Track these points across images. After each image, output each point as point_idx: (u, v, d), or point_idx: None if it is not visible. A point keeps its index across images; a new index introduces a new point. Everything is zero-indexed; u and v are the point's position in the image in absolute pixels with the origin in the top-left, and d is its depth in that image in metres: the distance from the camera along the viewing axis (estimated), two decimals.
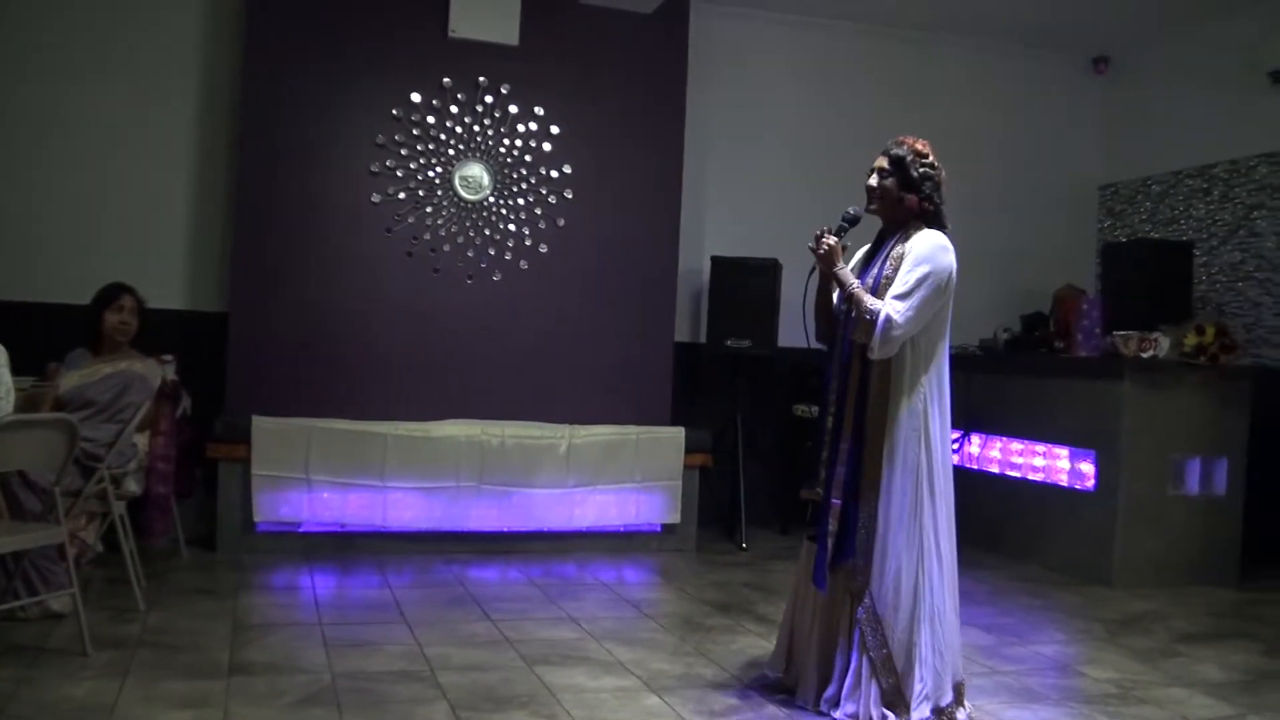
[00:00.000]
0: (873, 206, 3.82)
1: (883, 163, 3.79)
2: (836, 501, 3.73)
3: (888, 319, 3.59)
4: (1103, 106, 8.50)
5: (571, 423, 6.56)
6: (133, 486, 4.98)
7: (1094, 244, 8.45)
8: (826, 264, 3.78)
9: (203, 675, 3.89)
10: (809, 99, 7.84)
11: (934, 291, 3.63)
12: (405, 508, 6.06)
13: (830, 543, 3.73)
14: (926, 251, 3.67)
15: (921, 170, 3.75)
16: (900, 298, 3.61)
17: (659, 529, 6.61)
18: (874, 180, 3.80)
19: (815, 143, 7.76)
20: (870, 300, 3.66)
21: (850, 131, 7.62)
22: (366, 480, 5.99)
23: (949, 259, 3.69)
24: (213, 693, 3.71)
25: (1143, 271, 6.78)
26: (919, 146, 3.79)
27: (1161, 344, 6.20)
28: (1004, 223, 8.20)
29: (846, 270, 3.80)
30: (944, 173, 3.81)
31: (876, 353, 3.63)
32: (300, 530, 6.01)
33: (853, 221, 3.85)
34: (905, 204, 3.76)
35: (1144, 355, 6.15)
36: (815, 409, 6.92)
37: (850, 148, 7.09)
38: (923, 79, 8.08)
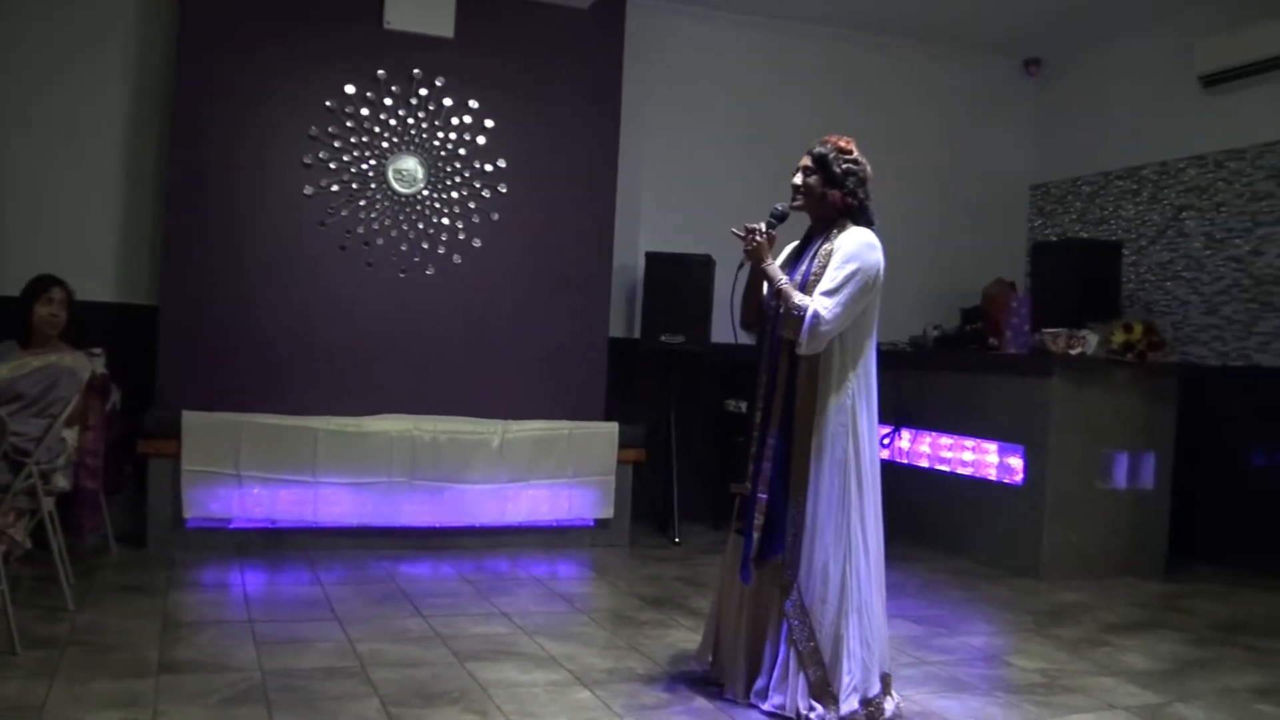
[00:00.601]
0: (797, 203, 3.87)
1: (806, 161, 3.85)
2: (763, 496, 3.76)
3: (815, 315, 3.62)
4: (1034, 108, 8.63)
5: (505, 418, 6.56)
6: (62, 482, 4.92)
7: (1025, 243, 8.58)
8: (755, 259, 3.82)
9: (132, 674, 3.87)
10: (745, 96, 7.89)
11: (862, 288, 3.67)
12: (337, 503, 6.04)
13: (756, 536, 3.77)
14: (854, 249, 3.71)
15: (845, 166, 3.80)
16: (828, 294, 3.64)
17: (592, 524, 6.64)
18: (798, 178, 3.86)
19: (751, 140, 7.80)
20: (798, 296, 3.69)
21: (786, 129, 7.64)
22: (298, 476, 5.96)
23: (876, 256, 3.73)
24: (142, 692, 3.70)
25: (1072, 270, 6.88)
26: (842, 144, 3.84)
27: (1090, 341, 6.29)
28: (936, 221, 8.30)
29: (775, 265, 3.84)
30: (869, 169, 3.85)
31: (804, 349, 3.67)
32: (231, 526, 5.98)
33: (780, 218, 3.90)
34: (829, 200, 3.81)
35: (1073, 352, 6.23)
36: (745, 404, 6.99)
37: (786, 146, 7.01)
38: (858, 78, 8.15)
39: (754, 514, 3.79)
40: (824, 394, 3.70)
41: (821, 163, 3.81)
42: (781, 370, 3.78)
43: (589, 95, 7.00)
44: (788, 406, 3.75)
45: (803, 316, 3.65)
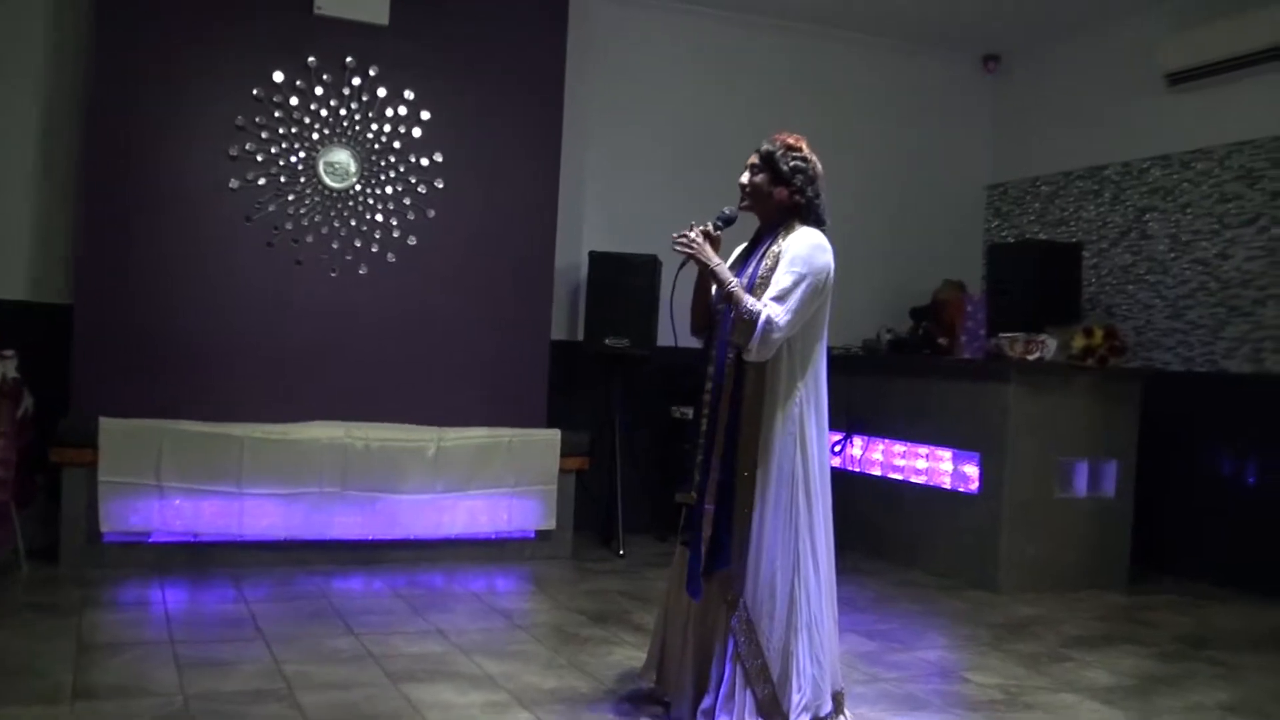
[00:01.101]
0: (745, 204, 3.90)
1: (753, 159, 3.88)
2: (710, 506, 3.77)
3: (768, 320, 3.63)
4: (992, 106, 8.73)
5: (441, 425, 6.55)
6: None
7: (980, 244, 8.67)
8: (704, 257, 3.81)
9: (45, 700, 3.81)
10: (694, 91, 7.92)
11: (812, 291, 3.69)
12: (263, 515, 6.00)
13: (704, 549, 3.77)
14: (804, 251, 3.73)
15: (792, 164, 3.82)
16: (779, 299, 3.66)
17: (532, 535, 6.64)
18: (745, 177, 3.89)
19: (700, 137, 7.83)
20: (750, 300, 3.69)
21: (736, 126, 7.70)
22: (222, 486, 5.91)
23: (826, 259, 3.75)
24: (56, 719, 3.64)
25: (1030, 272, 6.94)
26: (790, 141, 3.86)
27: (1049, 346, 6.36)
28: (889, 222, 8.38)
29: (724, 266, 3.83)
30: (819, 167, 3.87)
31: (754, 354, 3.68)
32: (150, 541, 5.91)
33: (728, 221, 3.93)
34: (776, 199, 3.83)
35: (1030, 357, 6.30)
36: (691, 411, 7.02)
37: (735, 143, 7.06)
38: (810, 74, 8.20)
39: (701, 525, 3.79)
40: (771, 402, 3.71)
41: (768, 160, 3.84)
42: (728, 376, 3.79)
43: (531, 87, 6.99)
44: (734, 414, 3.76)
45: (754, 322, 3.65)
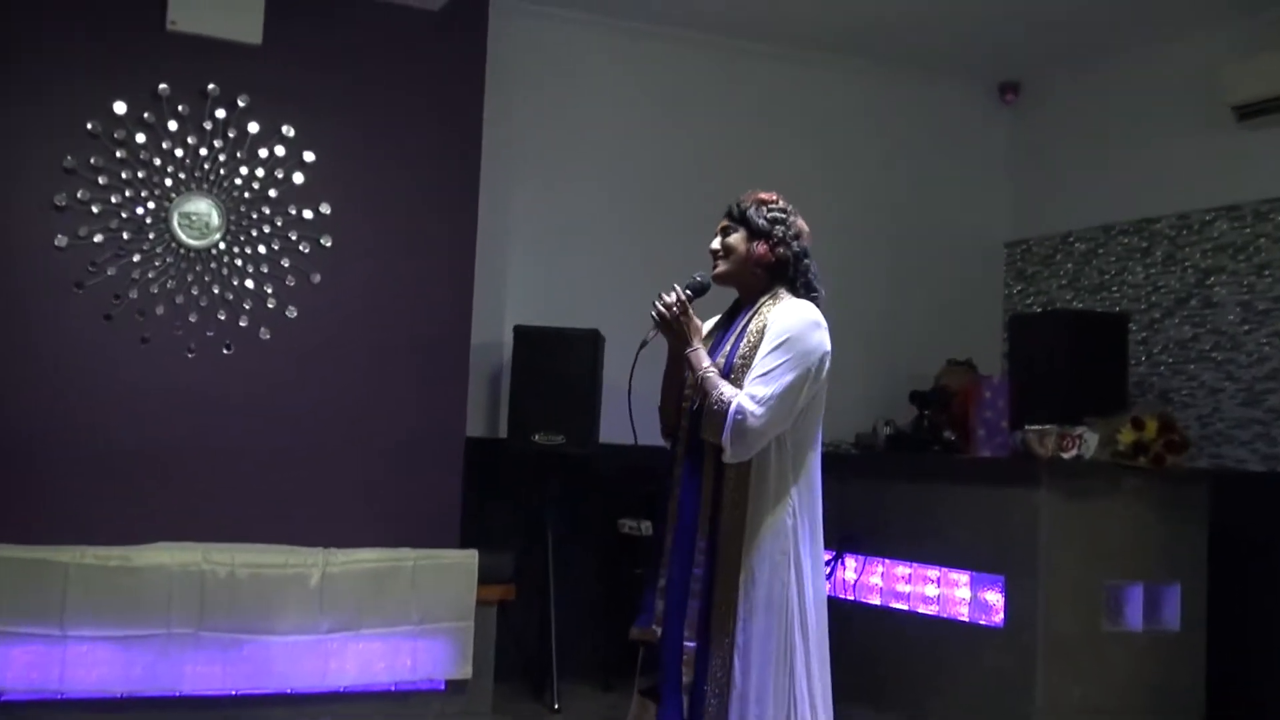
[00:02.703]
0: (720, 269, 3.96)
1: (724, 221, 3.98)
2: (691, 644, 3.76)
3: (740, 410, 3.65)
4: (1011, 143, 8.75)
5: (326, 545, 6.43)
6: None
7: (999, 315, 8.65)
8: (679, 339, 3.87)
9: None
10: (645, 128, 7.93)
11: (801, 376, 3.71)
12: (93, 665, 5.83)
13: (686, 700, 3.74)
14: (792, 326, 3.74)
15: (771, 215, 3.92)
16: (758, 384, 3.68)
17: (443, 686, 6.53)
18: (716, 241, 3.98)
19: (654, 185, 7.85)
20: (722, 387, 3.73)
21: (697, 172, 7.72)
22: (39, 628, 5.76)
23: (820, 336, 3.78)
24: None
25: (1063, 350, 6.92)
26: (762, 195, 3.99)
27: (1088, 441, 6.30)
28: (886, 289, 8.39)
29: (701, 350, 3.87)
30: (803, 224, 3.97)
31: (729, 453, 3.70)
32: None
33: (698, 290, 3.98)
34: (755, 256, 3.90)
35: (1065, 455, 6.24)
36: (646, 525, 7.01)
37: (697, 193, 7.18)
38: (789, 106, 8.24)
39: (672, 667, 3.78)
40: (758, 512, 3.74)
41: (741, 218, 3.95)
42: (705, 481, 3.81)
43: (441, 122, 7.00)
44: (713, 527, 3.78)
45: (725, 411, 3.67)
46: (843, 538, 7.18)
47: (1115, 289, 7.93)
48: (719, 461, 3.76)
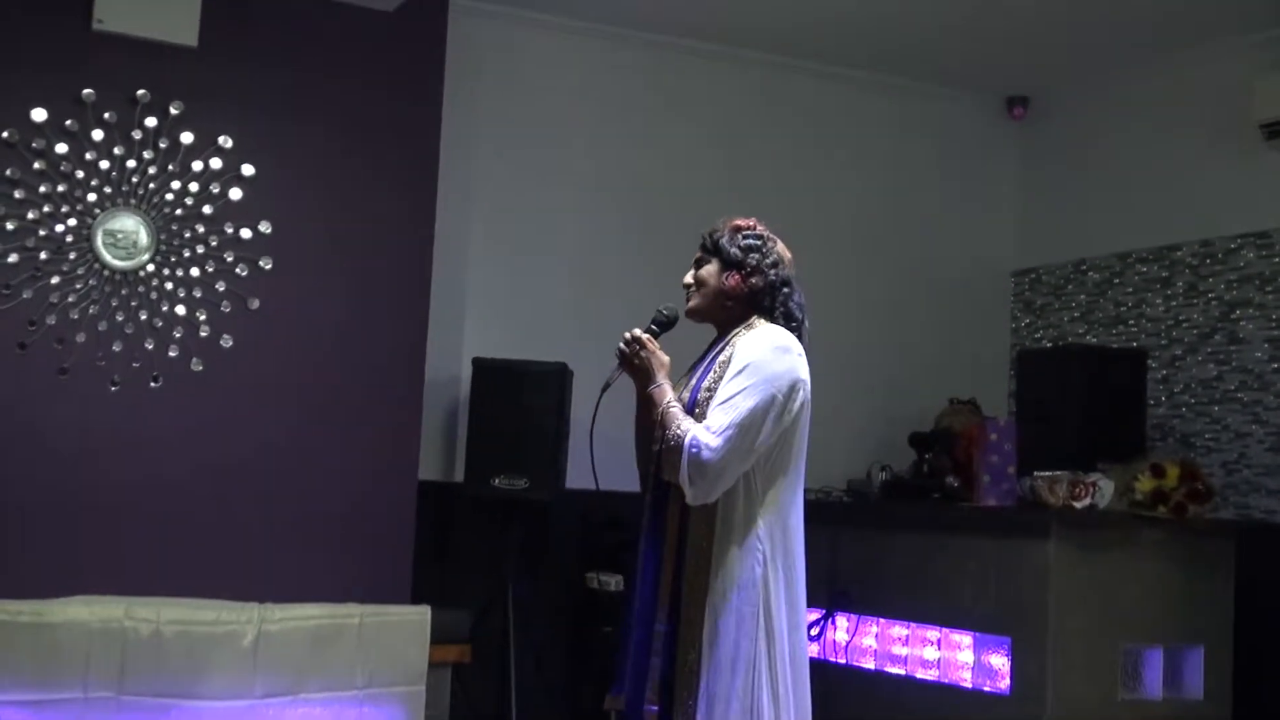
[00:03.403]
0: (692, 303, 4.05)
1: (698, 253, 4.08)
2: (653, 708, 3.79)
3: (695, 444, 3.69)
4: (1019, 163, 8.78)
5: (263, 600, 6.35)
6: None
7: (1006, 350, 8.67)
8: (642, 376, 3.94)
9: None
10: (619, 141, 7.93)
11: (764, 404, 3.73)
12: None
13: None
14: (757, 352, 3.79)
15: (744, 243, 4.00)
16: (716, 413, 3.73)
17: None
18: (689, 275, 4.07)
19: (628, 203, 7.85)
20: (681, 421, 3.77)
21: (677, 188, 7.74)
22: None
23: (788, 362, 3.81)
24: None
25: (1075, 389, 6.94)
26: (738, 221, 4.08)
27: (1103, 489, 6.32)
28: (882, 321, 8.39)
29: (665, 386, 3.92)
30: (784, 251, 4.05)
31: (690, 494, 3.74)
32: None
33: (665, 324, 4.09)
34: (727, 288, 3.97)
35: (1078, 504, 6.25)
36: (617, 580, 6.98)
37: (676, 211, 7.23)
38: (774, 119, 8.26)
39: None
40: (724, 562, 3.76)
41: (715, 248, 4.04)
42: (670, 529, 3.84)
43: (395, 133, 7.00)
44: (675, 580, 3.81)
45: (680, 446, 3.71)
46: (834, 595, 7.21)
47: (1132, 322, 7.93)
48: (685, 507, 3.80)
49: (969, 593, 6.57)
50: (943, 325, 8.55)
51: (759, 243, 4.00)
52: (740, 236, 4.01)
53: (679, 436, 3.73)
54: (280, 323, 6.72)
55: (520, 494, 6.94)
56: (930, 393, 8.08)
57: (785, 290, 3.98)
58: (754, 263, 3.96)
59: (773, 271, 3.97)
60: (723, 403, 3.74)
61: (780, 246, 4.06)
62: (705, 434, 3.70)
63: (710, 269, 4.01)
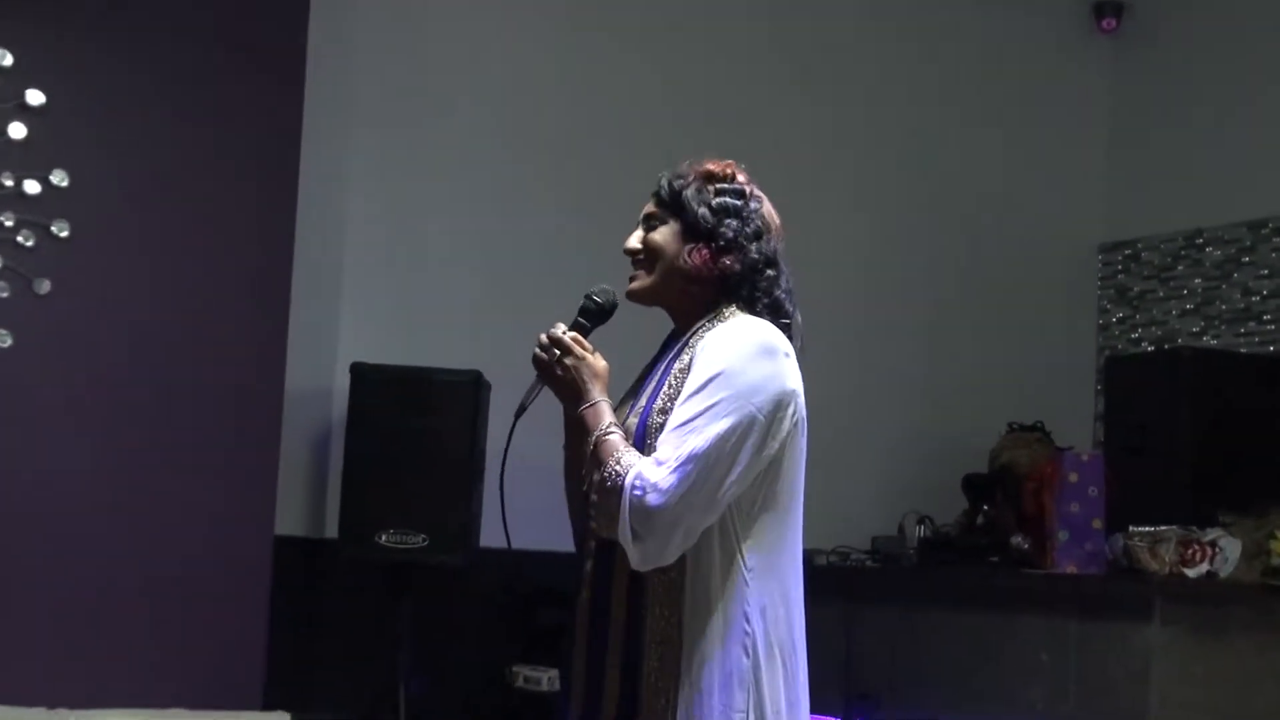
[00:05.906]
0: (636, 281, 3.87)
1: (649, 206, 3.88)
2: None
3: (639, 485, 3.51)
4: (1110, 94, 8.84)
5: (69, 706, 6.35)
6: None
7: (1091, 357, 8.69)
8: (569, 393, 3.78)
9: None
10: (552, 69, 7.99)
11: (741, 430, 3.56)
12: None
13: None
14: (730, 356, 3.61)
15: (717, 201, 3.78)
16: (668, 441, 3.58)
17: None
18: (634, 238, 3.87)
19: (556, 155, 7.89)
20: (620, 454, 3.62)
21: (632, 136, 7.79)
22: None
23: (773, 368, 3.64)
24: None
25: (1187, 412, 6.95)
26: (712, 167, 3.85)
27: (1225, 552, 6.32)
28: (918, 319, 8.44)
29: (601, 405, 3.76)
30: (771, 212, 3.86)
31: (634, 556, 3.55)
32: None
33: (599, 313, 3.90)
34: (691, 269, 3.79)
35: (1191, 572, 6.25)
36: (552, 675, 6.97)
37: (624, 164, 7.15)
38: (777, 35, 8.26)
39: None
40: (696, 647, 3.62)
41: (673, 201, 3.83)
42: (616, 605, 3.73)
43: (244, 62, 7.03)
44: (627, 673, 3.70)
45: (619, 488, 3.55)
46: (851, 697, 7.19)
47: (1268, 318, 7.92)
48: (635, 574, 3.64)
49: (1040, 690, 6.57)
50: (1002, 321, 8.57)
51: (738, 202, 3.81)
52: (712, 190, 3.82)
53: (617, 475, 3.57)
54: (79, 314, 6.70)
55: (417, 555, 6.90)
56: (983, 417, 8.06)
57: (770, 273, 3.80)
58: (729, 234, 3.77)
59: (754, 246, 3.78)
60: (679, 426, 3.57)
61: (766, 207, 3.87)
62: (653, 470, 3.54)
63: (666, 232, 3.83)
